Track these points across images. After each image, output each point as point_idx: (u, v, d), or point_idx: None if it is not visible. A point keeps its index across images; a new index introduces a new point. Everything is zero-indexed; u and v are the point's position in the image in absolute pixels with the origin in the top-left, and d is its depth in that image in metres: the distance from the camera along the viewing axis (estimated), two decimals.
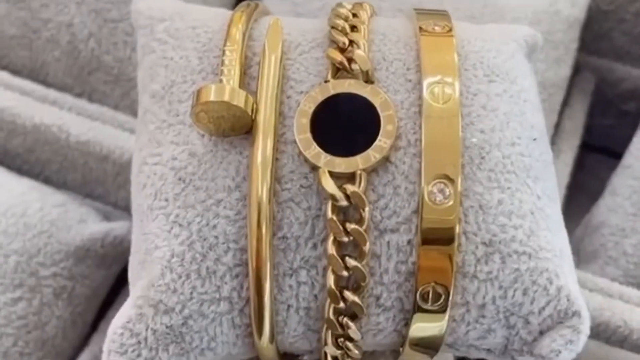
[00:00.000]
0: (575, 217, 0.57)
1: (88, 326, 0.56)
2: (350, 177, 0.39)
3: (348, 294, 0.39)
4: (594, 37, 0.64)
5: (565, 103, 0.62)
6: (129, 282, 0.43)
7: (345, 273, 0.39)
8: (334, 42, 0.42)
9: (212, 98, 0.40)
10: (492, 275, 0.40)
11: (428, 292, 0.39)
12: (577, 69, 0.63)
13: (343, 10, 0.44)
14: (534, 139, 0.42)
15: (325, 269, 0.40)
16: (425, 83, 0.41)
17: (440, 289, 0.39)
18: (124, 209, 0.59)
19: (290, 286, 0.40)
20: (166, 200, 0.41)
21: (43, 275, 0.54)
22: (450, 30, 0.43)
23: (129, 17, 0.58)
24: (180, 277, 0.40)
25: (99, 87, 0.60)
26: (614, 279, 0.54)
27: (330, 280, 0.39)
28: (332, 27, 0.43)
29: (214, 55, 0.43)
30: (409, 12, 0.45)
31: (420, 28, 0.43)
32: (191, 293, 0.40)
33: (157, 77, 0.44)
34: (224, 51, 0.42)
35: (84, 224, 0.56)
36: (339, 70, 0.41)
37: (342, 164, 0.39)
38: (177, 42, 0.44)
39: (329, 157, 0.39)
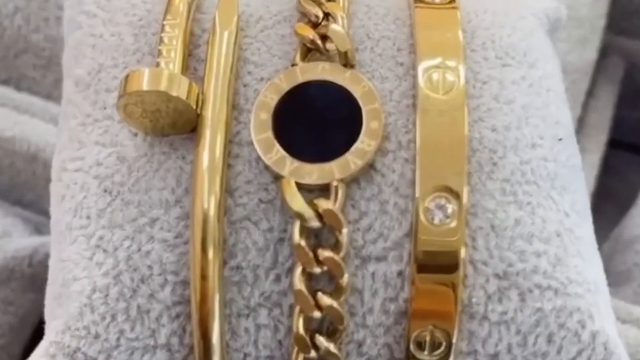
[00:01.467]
0: (602, 229, 0.51)
1: None
2: (324, 190, 0.33)
3: (321, 340, 0.33)
4: (622, 13, 0.59)
5: (590, 93, 0.57)
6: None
7: (317, 314, 0.33)
8: (304, 15, 0.36)
9: (144, 87, 0.33)
10: (507, 317, 0.33)
11: (424, 338, 0.33)
12: (604, 52, 0.59)
13: None
14: (560, 139, 0.36)
15: (291, 308, 0.33)
16: (421, 67, 0.34)
17: (440, 334, 0.33)
18: None
19: (247, 330, 0.34)
20: (88, 217, 0.35)
21: None
22: (453, 1, 0.36)
23: None
24: (103, 318, 0.34)
25: (28, 72, 0.56)
26: None
27: (299, 322, 0.33)
28: None
29: (153, 32, 0.37)
30: None
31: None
32: (118, 339, 0.34)
33: (82, 60, 0.38)
34: (163, 27, 0.35)
35: (8, 238, 0.52)
36: (310, 51, 0.35)
37: (314, 173, 0.33)
38: (108, 16, 0.38)
39: (297, 163, 0.33)
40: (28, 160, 0.52)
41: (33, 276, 0.51)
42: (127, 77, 0.33)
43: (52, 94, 0.55)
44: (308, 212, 0.32)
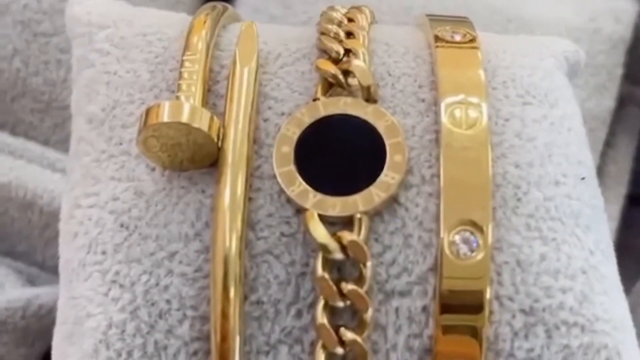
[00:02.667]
0: (623, 284, 0.53)
1: None
2: (347, 223, 0.36)
3: None
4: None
5: (608, 143, 0.60)
6: None
7: (339, 350, 0.35)
8: (324, 52, 0.39)
9: (165, 119, 0.36)
10: (534, 354, 0.36)
11: None
12: (621, 103, 0.62)
13: (336, 14, 0.40)
14: (583, 178, 0.39)
15: (313, 345, 0.36)
16: (443, 103, 0.37)
17: None
18: (53, 270, 0.56)
19: None
20: (103, 253, 0.37)
21: None
22: (474, 39, 0.40)
23: (65, 31, 0.55)
24: (119, 354, 0.36)
25: (25, 117, 0.58)
26: None
27: (320, 359, 0.35)
28: (323, 34, 0.39)
29: (170, 69, 0.40)
30: (420, 19, 0.42)
31: (436, 37, 0.39)
32: None
33: (95, 97, 0.40)
34: (182, 62, 0.39)
35: (0, 289, 0.54)
36: (331, 87, 0.38)
37: (337, 205, 0.36)
38: (122, 53, 0.41)
39: (319, 196, 0.36)
40: (23, 208, 0.54)
41: (25, 329, 0.52)
42: (147, 111, 0.36)
43: (50, 139, 0.57)
44: (332, 244, 0.35)
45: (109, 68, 0.41)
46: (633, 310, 0.54)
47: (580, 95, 0.55)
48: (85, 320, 0.37)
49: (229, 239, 0.35)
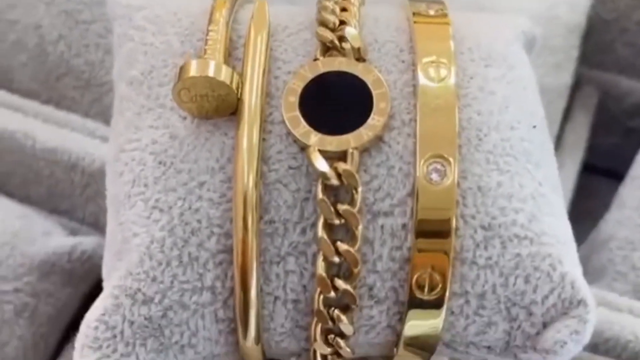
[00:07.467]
0: (578, 244, 0.59)
1: (51, 349, 0.58)
2: (342, 157, 0.42)
3: (339, 282, 0.42)
4: (595, 48, 0.68)
5: (566, 118, 0.65)
6: (103, 281, 0.45)
7: (336, 259, 0.42)
8: (323, 23, 0.45)
9: (194, 73, 0.42)
10: (491, 262, 0.42)
11: (424, 280, 0.42)
12: (579, 84, 0.67)
13: None
14: (534, 126, 0.45)
15: (314, 256, 0.42)
16: (420, 63, 0.44)
17: (437, 277, 0.42)
18: (93, 225, 0.62)
19: (278, 275, 0.43)
20: (145, 185, 0.44)
21: (4, 289, 0.55)
22: (445, 15, 0.46)
23: (102, 19, 0.62)
24: (160, 264, 0.42)
25: (68, 93, 0.63)
26: (622, 294, 0.57)
27: (321, 267, 0.42)
28: (321, 9, 0.46)
29: (197, 39, 0.47)
30: (402, 1, 0.49)
31: (414, 13, 0.46)
32: (172, 282, 0.42)
33: (135, 64, 0.47)
34: (207, 32, 0.45)
35: (49, 236, 0.58)
36: (328, 50, 0.45)
37: (333, 143, 0.42)
38: (157, 28, 0.47)
39: (319, 135, 0.42)
40: (67, 170, 0.59)
41: (71, 272, 0.57)
42: (181, 68, 0.43)
43: (90, 112, 0.62)
44: (330, 172, 0.41)
45: (146, 40, 0.47)
46: (588, 258, 0.60)
47: (539, 72, 0.60)
48: (131, 239, 0.43)
49: (247, 171, 0.41)
